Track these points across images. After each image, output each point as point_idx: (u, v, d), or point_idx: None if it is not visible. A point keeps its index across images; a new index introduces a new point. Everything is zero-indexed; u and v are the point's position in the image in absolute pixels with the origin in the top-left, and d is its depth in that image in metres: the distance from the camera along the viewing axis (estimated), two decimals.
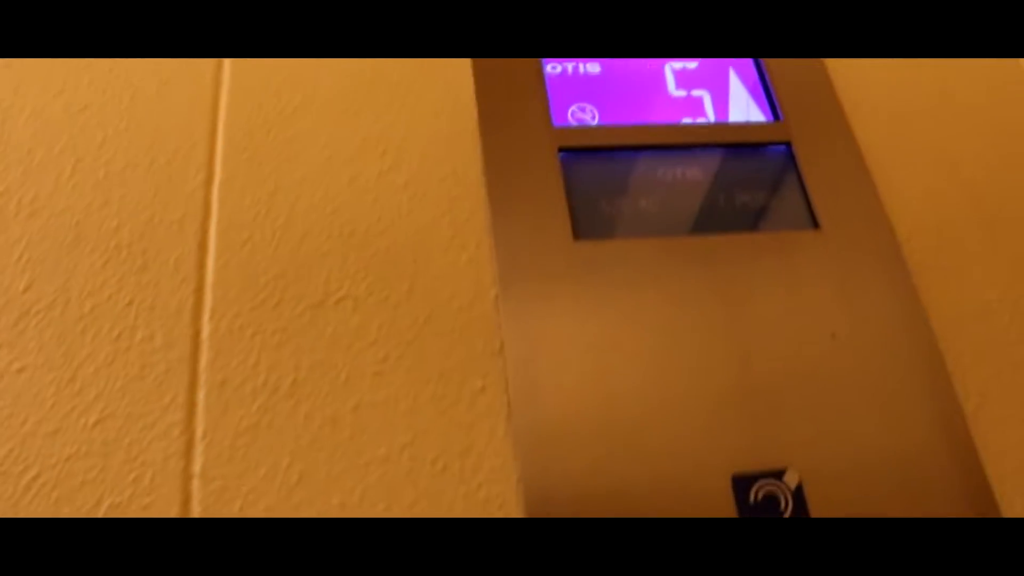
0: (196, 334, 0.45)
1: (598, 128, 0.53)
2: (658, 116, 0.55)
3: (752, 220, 0.52)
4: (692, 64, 0.58)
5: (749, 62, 0.59)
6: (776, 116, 0.56)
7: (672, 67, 0.58)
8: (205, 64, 0.54)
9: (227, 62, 0.54)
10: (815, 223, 0.52)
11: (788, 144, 0.55)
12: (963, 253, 0.53)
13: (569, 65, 0.57)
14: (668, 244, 0.49)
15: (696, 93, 0.57)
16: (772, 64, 0.58)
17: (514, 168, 0.51)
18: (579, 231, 0.49)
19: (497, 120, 0.53)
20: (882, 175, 0.55)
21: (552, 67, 0.56)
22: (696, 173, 0.53)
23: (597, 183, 0.52)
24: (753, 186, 0.53)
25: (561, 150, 0.52)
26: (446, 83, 0.55)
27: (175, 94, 0.52)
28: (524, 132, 0.52)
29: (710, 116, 0.56)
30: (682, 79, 0.57)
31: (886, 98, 0.59)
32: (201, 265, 0.47)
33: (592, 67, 0.57)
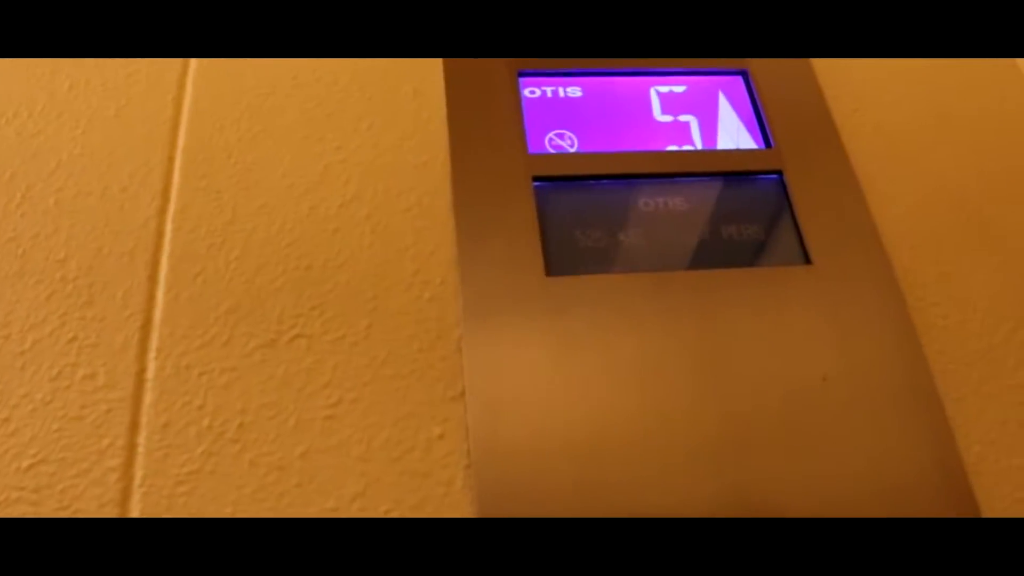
0: (140, 372, 0.43)
1: (576, 156, 0.50)
2: (642, 143, 0.52)
3: (740, 255, 0.48)
4: (679, 87, 0.55)
5: (740, 85, 0.56)
6: (767, 143, 0.53)
7: (658, 90, 0.55)
8: (167, 85, 0.52)
9: (189, 84, 0.52)
10: (807, 258, 0.48)
11: (780, 173, 0.52)
12: (966, 290, 0.49)
13: (548, 88, 0.54)
14: (649, 280, 0.46)
15: (683, 118, 0.54)
16: (764, 87, 0.55)
17: (485, 198, 0.48)
18: (552, 266, 0.47)
19: (469, 147, 0.50)
20: (879, 206, 0.51)
21: (530, 91, 0.54)
22: (680, 204, 0.50)
23: (573, 214, 0.49)
24: (741, 218, 0.50)
25: (536, 179, 0.49)
26: (416, 108, 0.53)
27: (134, 118, 0.50)
28: (497, 160, 0.50)
29: (697, 143, 0.53)
30: (668, 103, 0.54)
31: (883, 121, 0.55)
32: (150, 299, 0.45)
33: (573, 90, 0.54)
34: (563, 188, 0.50)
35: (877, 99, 0.56)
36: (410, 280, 0.46)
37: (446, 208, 0.49)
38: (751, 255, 0.48)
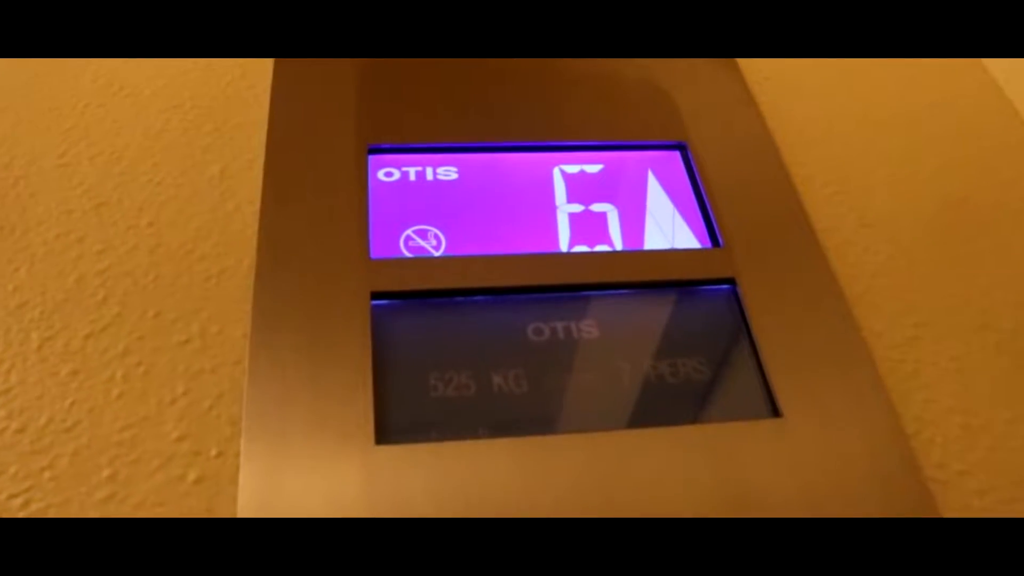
0: None
1: (440, 262, 0.35)
2: (538, 243, 0.37)
3: (678, 406, 0.32)
4: (593, 167, 0.40)
5: (676, 163, 0.41)
6: (715, 241, 0.38)
7: (564, 170, 0.40)
8: None
9: None
10: (774, 409, 0.32)
11: (732, 282, 0.36)
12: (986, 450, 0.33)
13: (411, 169, 0.39)
14: (536, 451, 0.30)
15: (597, 208, 0.39)
16: (709, 165, 0.40)
17: (294, 324, 0.32)
18: (387, 428, 0.30)
19: (284, 249, 0.35)
20: (872, 320, 0.36)
21: (385, 173, 0.39)
22: (589, 331, 0.34)
23: (427, 349, 0.33)
24: (679, 350, 0.34)
25: (376, 296, 0.34)
26: (220, 195, 0.37)
27: None
28: (323, 269, 0.34)
29: (616, 242, 0.38)
30: (578, 188, 0.39)
31: (871, 210, 0.40)
32: None
33: (445, 172, 0.39)
34: (415, 310, 0.34)
35: (862, 179, 0.42)
36: (172, 451, 0.30)
37: (237, 339, 0.33)
38: (695, 406, 0.33)
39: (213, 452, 0.30)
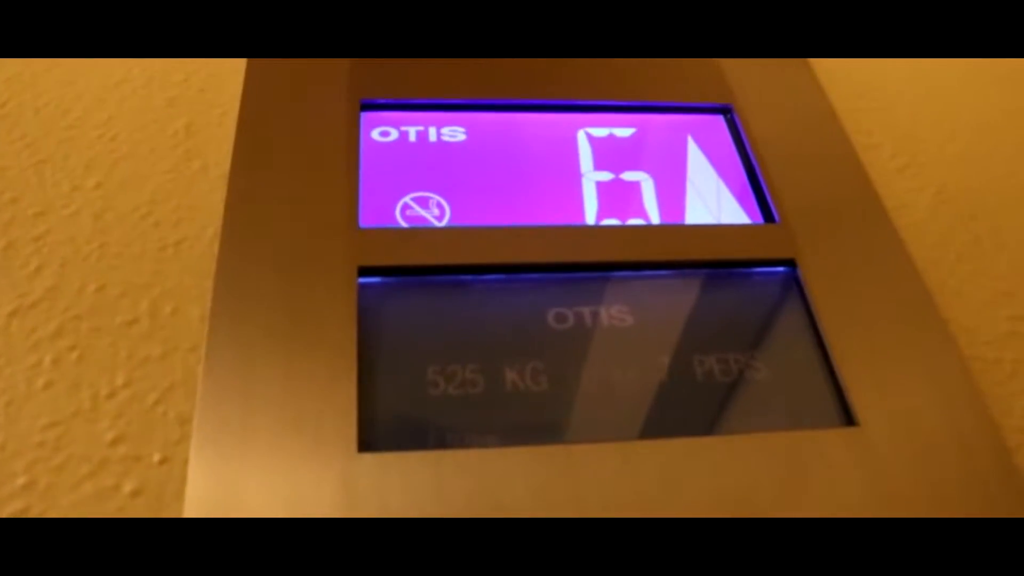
0: None
1: (442, 234, 0.29)
2: (559, 215, 0.31)
3: (726, 411, 0.26)
4: (625, 130, 0.34)
5: (720, 128, 0.35)
6: (769, 216, 0.32)
7: (590, 133, 0.34)
8: None
9: None
10: (848, 415, 0.26)
11: (792, 264, 0.30)
12: None
13: (411, 129, 0.33)
14: (556, 461, 0.24)
15: (629, 177, 0.33)
16: (759, 130, 0.34)
17: (268, 308, 0.27)
18: (373, 434, 0.25)
19: (256, 214, 0.29)
20: (959, 310, 0.30)
21: (381, 132, 0.33)
22: (622, 317, 0.28)
23: (424, 336, 0.27)
24: (729, 343, 0.28)
25: (364, 272, 0.28)
26: (184, 153, 0.32)
27: None
28: (304, 239, 0.28)
29: (652, 216, 0.32)
30: (606, 154, 0.34)
31: (951, 183, 0.34)
32: None
33: (451, 132, 0.33)
34: (411, 289, 0.28)
35: (936, 151, 0.36)
36: (105, 455, 0.24)
37: (193, 321, 0.27)
38: (750, 411, 0.27)
39: (156, 458, 0.24)
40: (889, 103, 0.38)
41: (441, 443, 0.24)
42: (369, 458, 0.24)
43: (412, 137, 0.33)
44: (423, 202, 0.31)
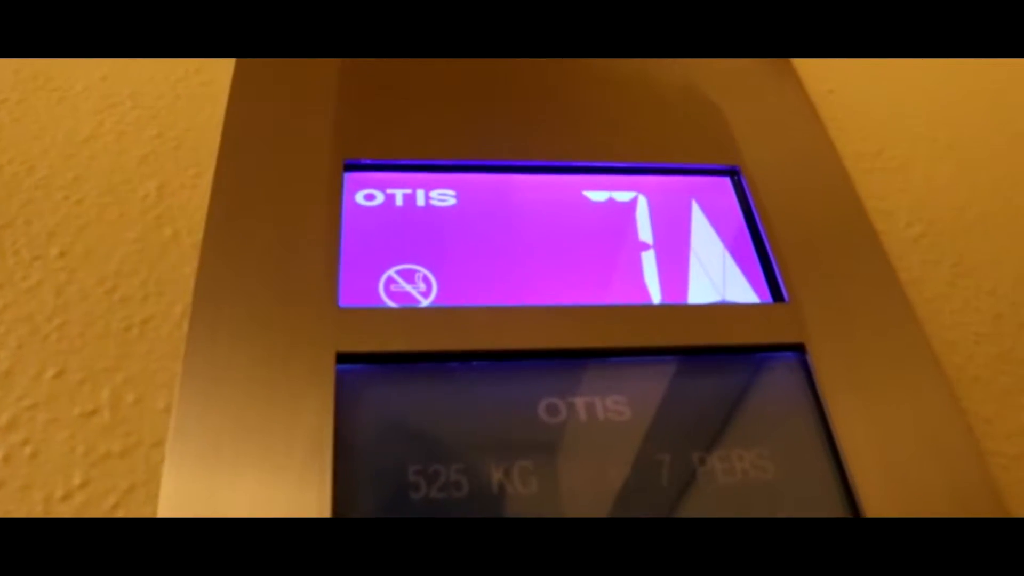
0: None
1: (425, 315, 0.27)
2: (554, 293, 0.29)
3: (730, 514, 0.25)
4: (625, 194, 0.33)
5: (727, 191, 0.33)
6: (778, 294, 0.30)
7: (590, 196, 0.32)
8: None
9: None
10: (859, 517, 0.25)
11: (801, 349, 0.28)
12: None
13: (399, 192, 0.31)
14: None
15: (630, 248, 0.31)
16: (768, 196, 0.32)
17: (239, 399, 0.25)
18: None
19: (225, 294, 0.27)
20: (977, 399, 0.28)
21: (366, 196, 0.31)
22: (619, 410, 0.26)
23: (406, 431, 0.25)
24: (731, 439, 0.26)
25: (342, 359, 0.26)
26: (156, 217, 0.30)
27: None
28: (277, 322, 0.26)
29: (653, 294, 0.30)
30: (604, 220, 0.32)
31: (967, 256, 0.33)
32: None
33: (441, 196, 0.31)
34: (393, 378, 0.26)
35: (954, 218, 0.34)
36: None
37: (158, 412, 0.25)
38: (756, 515, 0.25)
39: None
40: (904, 163, 0.36)
41: None
42: None
43: (399, 201, 0.31)
44: (409, 276, 0.29)
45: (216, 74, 0.34)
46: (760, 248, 0.31)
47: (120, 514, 0.23)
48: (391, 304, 0.28)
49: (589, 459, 0.25)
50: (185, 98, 0.33)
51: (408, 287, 0.29)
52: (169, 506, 0.23)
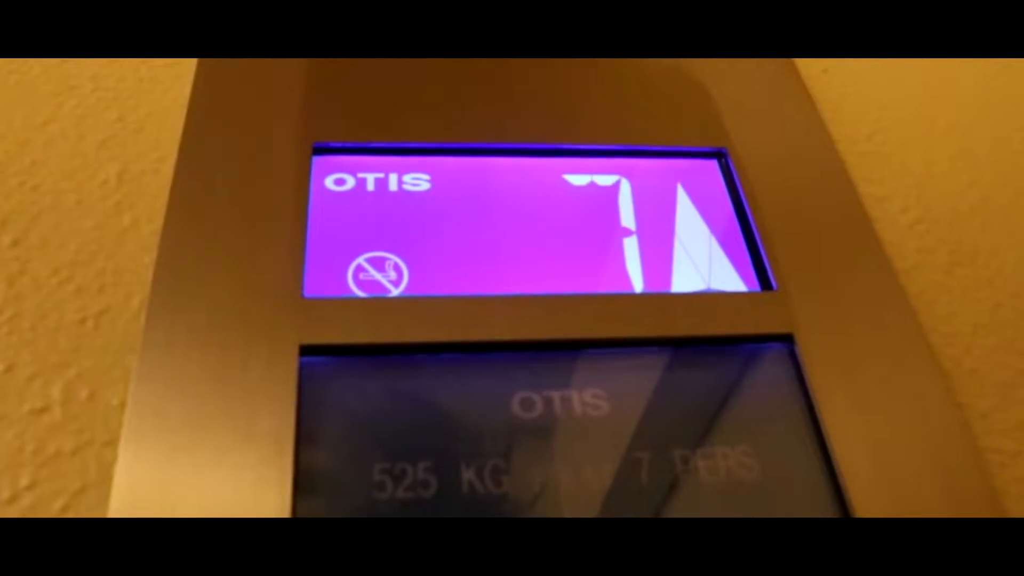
0: None
1: (395, 305, 0.26)
2: (528, 282, 0.28)
3: (717, 512, 0.23)
4: (608, 178, 0.31)
5: (714, 174, 0.32)
6: (765, 281, 0.29)
7: (570, 180, 0.31)
8: None
9: None
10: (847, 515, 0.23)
11: (789, 340, 0.27)
12: None
13: (369, 176, 0.30)
14: None
15: (612, 234, 0.30)
16: (757, 179, 0.31)
17: (197, 393, 0.24)
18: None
19: (185, 287, 0.26)
20: (974, 393, 0.27)
21: (336, 180, 0.30)
22: (596, 405, 0.25)
23: (372, 428, 0.24)
24: (715, 436, 0.25)
25: (306, 352, 0.25)
26: (116, 203, 0.28)
27: None
28: (239, 313, 0.25)
29: (635, 282, 0.28)
30: (585, 204, 0.30)
31: (965, 240, 0.31)
32: None
33: (414, 180, 0.30)
34: (358, 372, 0.25)
35: (952, 204, 0.32)
36: None
37: (113, 409, 0.24)
38: (740, 515, 0.24)
39: None
40: (899, 145, 0.34)
41: None
42: None
43: (370, 185, 0.30)
44: (379, 264, 0.28)
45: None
46: (748, 234, 0.30)
47: (70, 516, 0.22)
48: (360, 294, 0.27)
49: (565, 457, 0.24)
50: (148, 80, 0.32)
51: (378, 275, 0.27)
52: (121, 508, 0.22)
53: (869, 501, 0.24)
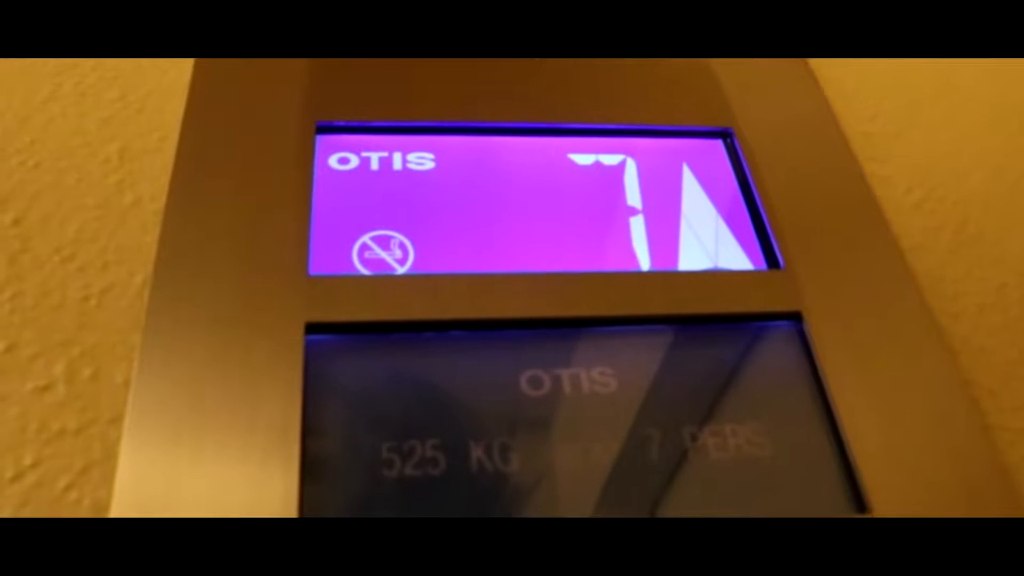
0: None
1: (401, 283, 0.26)
2: (537, 260, 0.28)
3: (721, 493, 0.23)
4: (613, 157, 0.31)
5: (720, 154, 0.32)
6: (773, 260, 0.29)
7: (576, 160, 0.31)
8: None
9: None
10: (860, 501, 0.23)
11: (797, 318, 0.27)
12: None
13: (374, 155, 0.30)
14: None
15: (618, 213, 0.30)
16: (763, 158, 0.31)
17: (201, 373, 0.23)
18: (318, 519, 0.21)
19: (189, 265, 0.25)
20: (982, 372, 0.27)
21: (340, 159, 0.29)
22: (604, 383, 0.25)
23: (379, 407, 0.24)
24: (724, 414, 0.25)
25: (312, 329, 0.24)
26: (117, 182, 0.28)
27: None
28: (243, 291, 0.25)
29: (642, 260, 0.28)
30: (590, 184, 0.30)
31: (971, 217, 0.31)
32: None
33: (419, 159, 0.30)
34: (365, 350, 0.25)
35: (956, 184, 0.32)
36: None
37: (117, 388, 0.24)
38: (749, 494, 0.23)
39: None
40: (904, 126, 0.34)
41: None
42: None
43: (374, 164, 0.29)
44: (384, 242, 0.27)
45: None
46: (754, 213, 0.30)
47: (74, 495, 0.22)
48: (365, 272, 0.26)
49: (573, 434, 0.24)
50: (149, 60, 0.31)
51: (383, 254, 0.27)
52: (125, 487, 0.21)
53: (879, 478, 0.24)
